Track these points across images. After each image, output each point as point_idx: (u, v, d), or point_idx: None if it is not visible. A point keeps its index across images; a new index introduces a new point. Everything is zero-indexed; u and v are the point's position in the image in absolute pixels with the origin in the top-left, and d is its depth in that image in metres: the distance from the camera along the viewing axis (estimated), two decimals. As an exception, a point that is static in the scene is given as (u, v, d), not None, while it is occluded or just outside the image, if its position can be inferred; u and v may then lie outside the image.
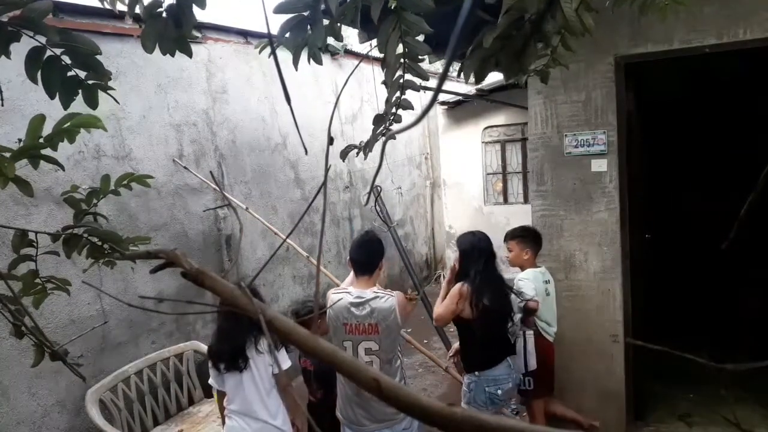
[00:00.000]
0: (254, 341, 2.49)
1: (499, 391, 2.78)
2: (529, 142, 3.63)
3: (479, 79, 0.92)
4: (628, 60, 3.22)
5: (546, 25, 0.82)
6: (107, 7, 1.35)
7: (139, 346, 3.58)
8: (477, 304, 2.72)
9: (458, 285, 2.80)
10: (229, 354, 2.46)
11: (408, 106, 1.30)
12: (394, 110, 1.30)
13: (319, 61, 1.14)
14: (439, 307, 2.85)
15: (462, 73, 1.04)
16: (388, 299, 2.48)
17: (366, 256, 2.57)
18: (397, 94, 1.26)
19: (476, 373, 2.82)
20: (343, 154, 1.43)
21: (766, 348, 4.08)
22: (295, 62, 1.11)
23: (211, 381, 2.61)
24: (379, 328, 2.46)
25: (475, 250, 2.85)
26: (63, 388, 3.06)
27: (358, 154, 1.42)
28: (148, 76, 3.75)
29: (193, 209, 4.08)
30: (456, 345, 3.25)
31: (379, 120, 1.33)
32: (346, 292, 2.55)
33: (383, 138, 1.29)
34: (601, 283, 3.41)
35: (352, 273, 2.67)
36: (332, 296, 2.60)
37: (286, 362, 2.63)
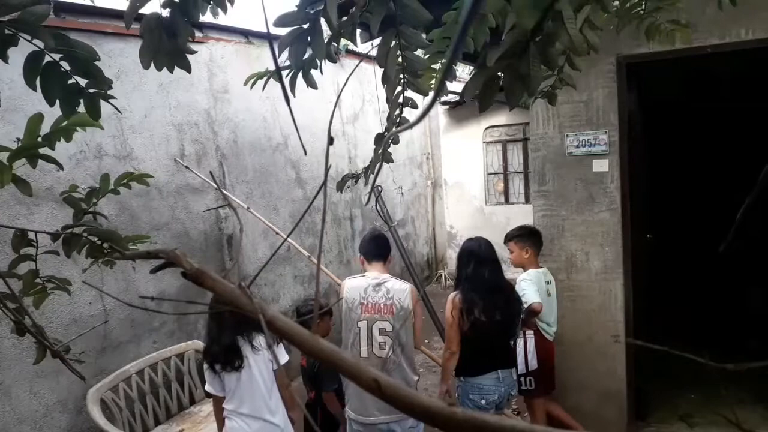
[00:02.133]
0: (248, 339, 2.45)
1: (483, 401, 2.71)
2: (530, 142, 3.62)
3: (483, 108, 0.84)
4: (630, 60, 3.21)
5: (549, 48, 0.77)
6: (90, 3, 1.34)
7: (141, 345, 3.58)
8: (468, 316, 2.65)
9: (450, 295, 2.76)
10: (224, 353, 2.42)
11: (407, 124, 1.30)
12: (394, 128, 1.29)
13: (313, 85, 1.12)
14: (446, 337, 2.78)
15: (464, 97, 1.01)
16: (403, 282, 2.69)
17: (377, 247, 2.77)
18: (397, 111, 1.24)
19: (462, 378, 2.78)
20: (339, 186, 1.41)
21: (767, 348, 4.07)
22: (292, 86, 1.08)
23: (207, 387, 2.52)
24: (393, 309, 2.60)
25: (465, 253, 2.82)
26: (64, 387, 3.07)
27: (356, 182, 1.40)
28: (150, 76, 3.75)
29: (194, 209, 4.08)
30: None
31: (380, 139, 1.31)
32: (363, 276, 2.73)
33: (382, 142, 1.28)
34: (603, 284, 3.40)
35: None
36: (348, 281, 2.77)
37: (284, 357, 2.60)
